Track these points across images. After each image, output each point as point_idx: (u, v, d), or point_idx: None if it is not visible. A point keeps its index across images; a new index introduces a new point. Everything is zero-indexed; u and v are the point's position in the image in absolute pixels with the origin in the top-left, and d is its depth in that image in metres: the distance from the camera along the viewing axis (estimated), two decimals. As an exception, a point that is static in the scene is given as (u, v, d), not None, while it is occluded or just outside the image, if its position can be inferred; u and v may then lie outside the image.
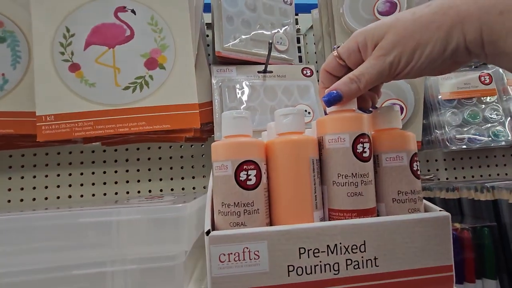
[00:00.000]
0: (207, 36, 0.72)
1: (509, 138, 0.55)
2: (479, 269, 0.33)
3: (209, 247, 0.24)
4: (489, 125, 0.55)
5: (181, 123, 0.48)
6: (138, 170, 0.70)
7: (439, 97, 0.57)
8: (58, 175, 0.66)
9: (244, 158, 0.26)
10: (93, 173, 0.68)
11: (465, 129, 0.55)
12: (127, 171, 0.70)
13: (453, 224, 0.29)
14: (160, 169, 0.71)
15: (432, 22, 0.23)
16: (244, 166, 0.26)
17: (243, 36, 0.58)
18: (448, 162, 0.65)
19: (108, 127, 0.47)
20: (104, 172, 0.69)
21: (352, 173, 0.27)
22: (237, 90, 0.56)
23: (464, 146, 0.54)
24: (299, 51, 0.75)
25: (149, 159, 0.71)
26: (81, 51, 0.48)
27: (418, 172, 0.30)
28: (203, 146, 0.73)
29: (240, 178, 0.26)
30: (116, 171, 0.69)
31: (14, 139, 0.54)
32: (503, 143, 0.54)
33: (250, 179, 0.26)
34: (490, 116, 0.55)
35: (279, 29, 0.62)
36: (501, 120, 0.56)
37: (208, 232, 0.25)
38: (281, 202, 0.27)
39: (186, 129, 0.50)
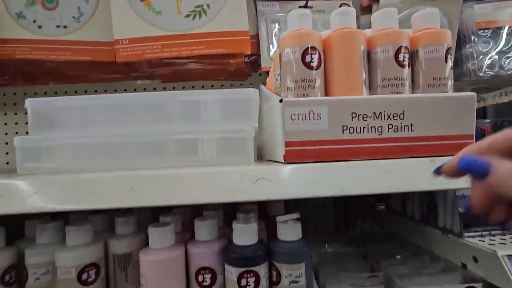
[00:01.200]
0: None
1: (540, 69, 0.58)
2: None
3: (283, 109, 0.32)
4: (521, 55, 0.58)
5: (234, 48, 0.55)
6: (185, 105, 0.78)
7: (474, 28, 0.60)
8: (119, 107, 0.75)
9: (308, 45, 0.33)
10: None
11: (497, 57, 0.58)
12: (176, 106, 0.78)
13: (477, 125, 0.35)
14: (205, 104, 0.78)
15: None
16: (309, 51, 0.33)
17: (286, -29, 0.62)
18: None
19: (173, 50, 0.54)
20: (157, 106, 0.77)
21: (394, 77, 0.34)
22: (282, 24, 0.62)
23: (493, 74, 0.58)
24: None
25: (195, 95, 0.78)
26: (148, -18, 0.54)
27: (451, 63, 0.35)
28: (241, 85, 0.80)
29: (306, 60, 0.33)
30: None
31: (90, 69, 0.64)
32: (533, 72, 0.57)
33: (313, 61, 0.33)
34: (522, 46, 0.58)
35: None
36: (533, 51, 0.58)
37: (281, 100, 0.32)
38: (337, 81, 0.34)
39: (237, 54, 0.57)
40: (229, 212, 0.46)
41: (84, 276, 0.38)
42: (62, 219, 0.43)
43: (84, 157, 0.36)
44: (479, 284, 0.35)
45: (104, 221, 0.46)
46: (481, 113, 0.48)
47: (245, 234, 0.35)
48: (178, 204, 0.31)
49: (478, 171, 0.20)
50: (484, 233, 0.39)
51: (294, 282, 0.35)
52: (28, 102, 0.37)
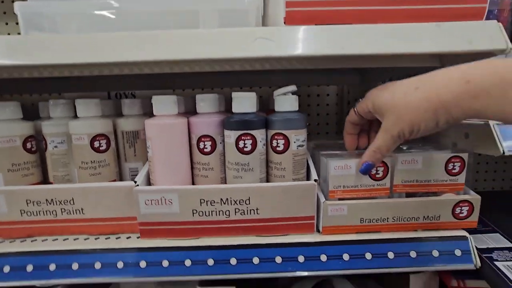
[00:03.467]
0: None
1: None
2: None
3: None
4: None
5: None
6: None
7: None
8: None
9: None
10: None
11: None
12: None
13: None
14: None
15: (420, 107, 0.29)
16: None
17: None
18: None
19: None
20: None
21: None
22: None
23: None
24: None
25: None
26: None
27: None
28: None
29: None
30: None
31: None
32: None
33: None
34: None
35: None
36: None
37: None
38: None
39: None
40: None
41: (96, 144, 0.41)
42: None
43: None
44: (465, 154, 0.37)
45: (112, 106, 0.49)
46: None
47: (243, 101, 0.36)
48: (183, 59, 0.31)
49: (369, 168, 0.35)
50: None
51: (301, 146, 0.37)
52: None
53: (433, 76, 0.29)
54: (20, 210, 0.39)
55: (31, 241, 0.39)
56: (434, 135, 0.46)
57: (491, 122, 0.34)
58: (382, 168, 0.37)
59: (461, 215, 0.37)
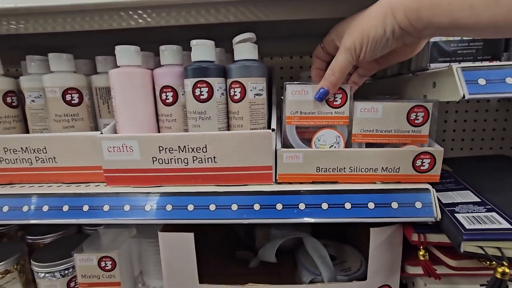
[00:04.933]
0: None
1: None
2: None
3: None
4: None
5: None
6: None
7: None
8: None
9: None
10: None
11: None
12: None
13: None
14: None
15: (370, 14, 0.31)
16: None
17: None
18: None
19: None
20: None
21: None
22: None
23: None
24: None
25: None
26: None
27: None
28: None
29: None
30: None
31: None
32: None
33: None
34: None
35: None
36: None
37: None
38: None
39: None
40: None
41: (68, 98, 0.43)
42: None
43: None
44: (429, 103, 0.35)
45: (89, 65, 0.50)
46: None
47: (201, 49, 0.36)
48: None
49: (324, 94, 0.35)
50: (451, 63, 0.38)
51: (258, 94, 0.37)
52: None
53: None
54: (-1, 158, 0.42)
55: (10, 187, 0.42)
56: (410, 91, 0.44)
57: (454, 66, 0.32)
58: (340, 95, 0.36)
59: (422, 167, 0.36)
